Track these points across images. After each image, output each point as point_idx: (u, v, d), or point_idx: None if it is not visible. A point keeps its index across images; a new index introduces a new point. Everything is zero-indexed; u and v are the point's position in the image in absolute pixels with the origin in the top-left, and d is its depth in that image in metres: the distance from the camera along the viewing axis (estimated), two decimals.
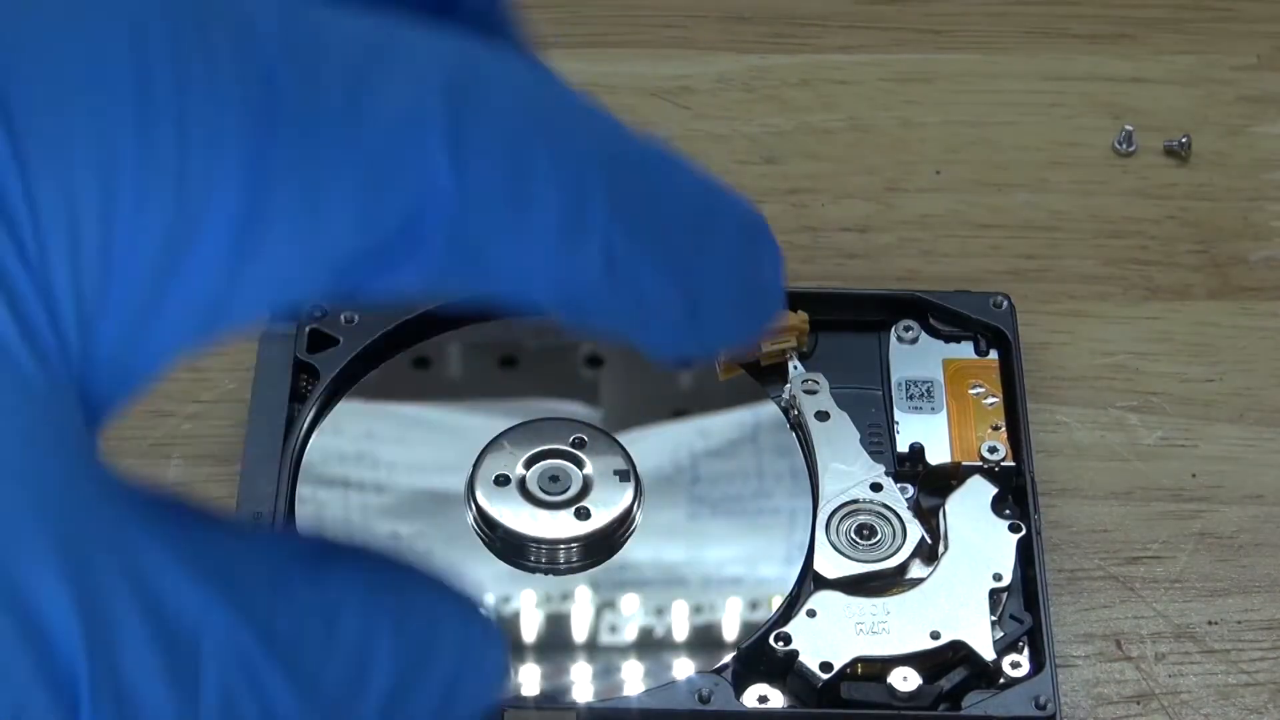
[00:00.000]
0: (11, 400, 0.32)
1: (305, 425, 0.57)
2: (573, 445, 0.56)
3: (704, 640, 0.53)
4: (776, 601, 0.54)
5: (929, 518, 0.56)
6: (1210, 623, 0.56)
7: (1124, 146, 0.69)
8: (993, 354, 0.59)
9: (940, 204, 0.67)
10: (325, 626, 0.35)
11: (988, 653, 0.52)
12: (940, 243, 0.66)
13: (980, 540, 0.55)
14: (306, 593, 0.35)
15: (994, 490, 0.56)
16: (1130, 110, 0.70)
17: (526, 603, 0.54)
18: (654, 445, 0.57)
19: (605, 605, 0.54)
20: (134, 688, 0.33)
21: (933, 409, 0.58)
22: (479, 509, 0.55)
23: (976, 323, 0.60)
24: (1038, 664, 0.53)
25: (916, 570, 0.55)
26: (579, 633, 0.54)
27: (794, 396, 0.58)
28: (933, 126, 0.70)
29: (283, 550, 0.35)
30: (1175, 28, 0.73)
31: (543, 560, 0.55)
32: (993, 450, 0.57)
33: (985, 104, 0.70)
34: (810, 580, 0.54)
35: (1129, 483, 0.59)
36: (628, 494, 0.55)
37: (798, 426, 0.58)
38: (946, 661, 0.53)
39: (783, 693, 0.52)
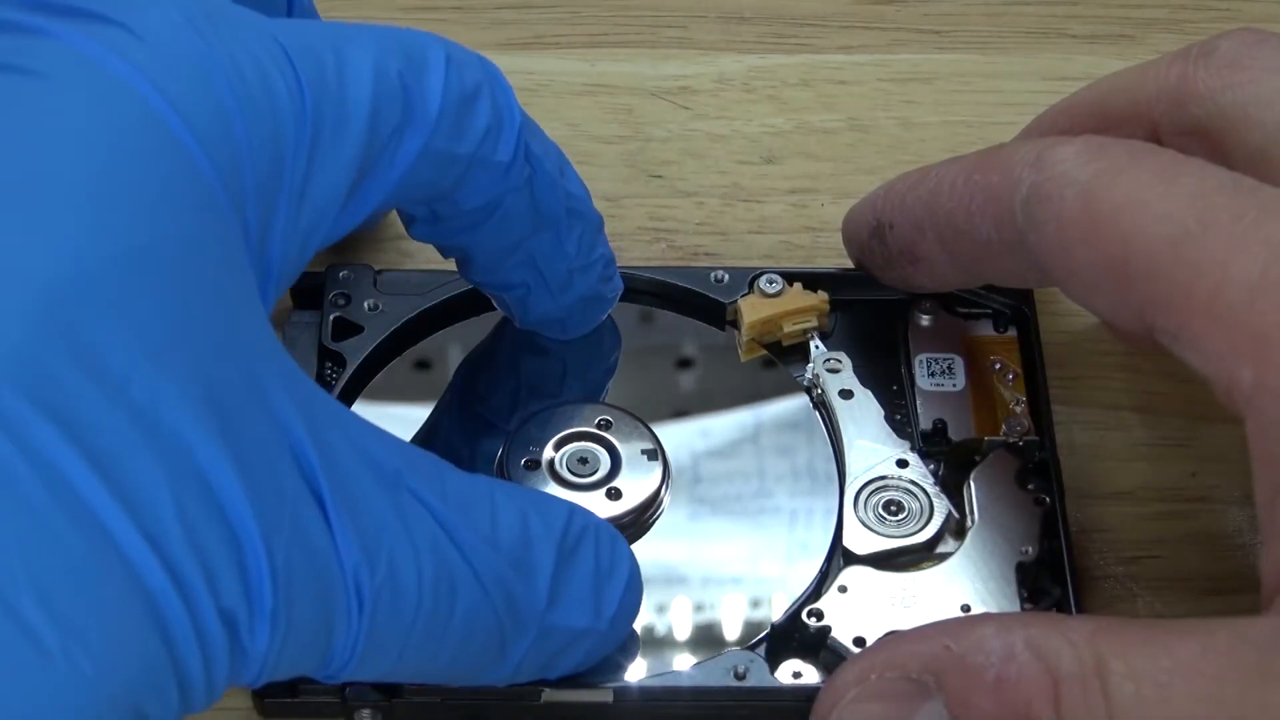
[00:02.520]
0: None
1: None
2: (599, 427, 0.56)
3: (735, 622, 0.54)
4: (807, 579, 0.54)
5: (954, 493, 0.56)
6: None
7: None
8: (1012, 330, 0.60)
9: None
10: (488, 504, 0.46)
11: None
12: None
13: (1006, 514, 0.55)
14: (460, 481, 0.46)
15: (1018, 464, 0.56)
16: None
17: None
18: (680, 433, 0.57)
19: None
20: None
21: (954, 385, 0.59)
22: None
23: (995, 300, 0.60)
24: None
25: (944, 545, 0.55)
26: None
27: (817, 376, 0.58)
28: (933, 126, 0.70)
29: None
30: (1175, 28, 0.73)
31: None
32: (1015, 425, 0.57)
33: (985, 104, 0.70)
34: (840, 556, 0.55)
35: (1129, 482, 0.60)
36: (656, 473, 0.55)
37: (821, 405, 0.58)
38: None
39: (816, 668, 0.52)
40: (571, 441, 0.56)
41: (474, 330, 0.60)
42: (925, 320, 0.60)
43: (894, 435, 0.57)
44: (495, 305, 0.58)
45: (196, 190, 0.41)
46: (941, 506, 0.56)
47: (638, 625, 0.53)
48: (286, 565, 0.41)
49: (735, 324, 0.60)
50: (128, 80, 0.41)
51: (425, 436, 0.58)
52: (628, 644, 0.53)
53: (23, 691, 0.36)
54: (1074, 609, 0.54)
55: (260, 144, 0.43)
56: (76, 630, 0.37)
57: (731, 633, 0.54)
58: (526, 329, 0.58)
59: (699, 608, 0.54)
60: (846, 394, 0.58)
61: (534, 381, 0.59)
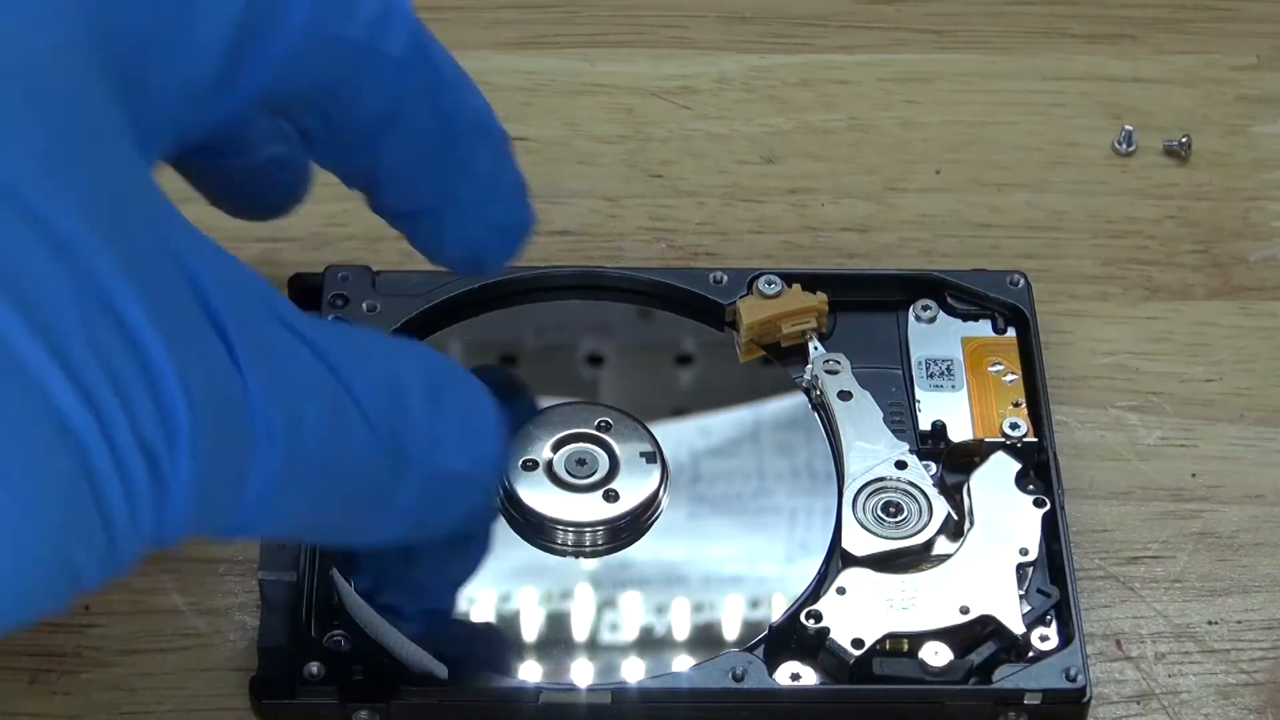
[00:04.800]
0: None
1: None
2: (598, 429, 0.56)
3: (733, 623, 0.54)
4: (805, 581, 0.54)
5: (953, 494, 0.56)
6: (1210, 622, 0.56)
7: (1124, 146, 0.69)
8: (1011, 331, 0.60)
9: (940, 204, 0.67)
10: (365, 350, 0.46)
11: (1017, 626, 0.53)
12: (940, 243, 0.66)
13: (1005, 515, 0.55)
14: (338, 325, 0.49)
15: (1017, 466, 0.56)
16: (1130, 110, 0.70)
17: (555, 587, 0.54)
18: (677, 432, 0.57)
19: (632, 588, 0.54)
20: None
21: (953, 387, 0.59)
22: (509, 494, 0.55)
23: (994, 301, 0.60)
24: (1066, 637, 0.53)
25: (943, 546, 0.55)
26: (611, 617, 0.54)
27: (816, 377, 0.58)
28: (933, 126, 0.70)
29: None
30: (1175, 28, 0.73)
31: (569, 543, 0.55)
32: (1014, 426, 0.57)
33: (985, 104, 0.70)
34: (838, 558, 0.55)
35: (1129, 483, 0.60)
36: (654, 476, 0.55)
37: (820, 406, 0.58)
38: (976, 636, 0.53)
39: (814, 670, 0.52)
40: (570, 443, 0.56)
41: (474, 330, 0.60)
42: (924, 321, 0.60)
43: (893, 436, 0.57)
44: (409, 241, 0.55)
45: (76, 15, 0.41)
46: (940, 508, 0.55)
47: (636, 625, 0.53)
48: (201, 395, 0.39)
49: (734, 325, 0.60)
50: None
51: None
52: (627, 645, 0.53)
53: None
54: (1074, 610, 0.53)
55: None
56: None
57: (730, 634, 0.54)
58: (444, 266, 0.56)
59: (697, 608, 0.54)
60: (845, 395, 0.58)
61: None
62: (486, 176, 0.53)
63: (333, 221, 0.64)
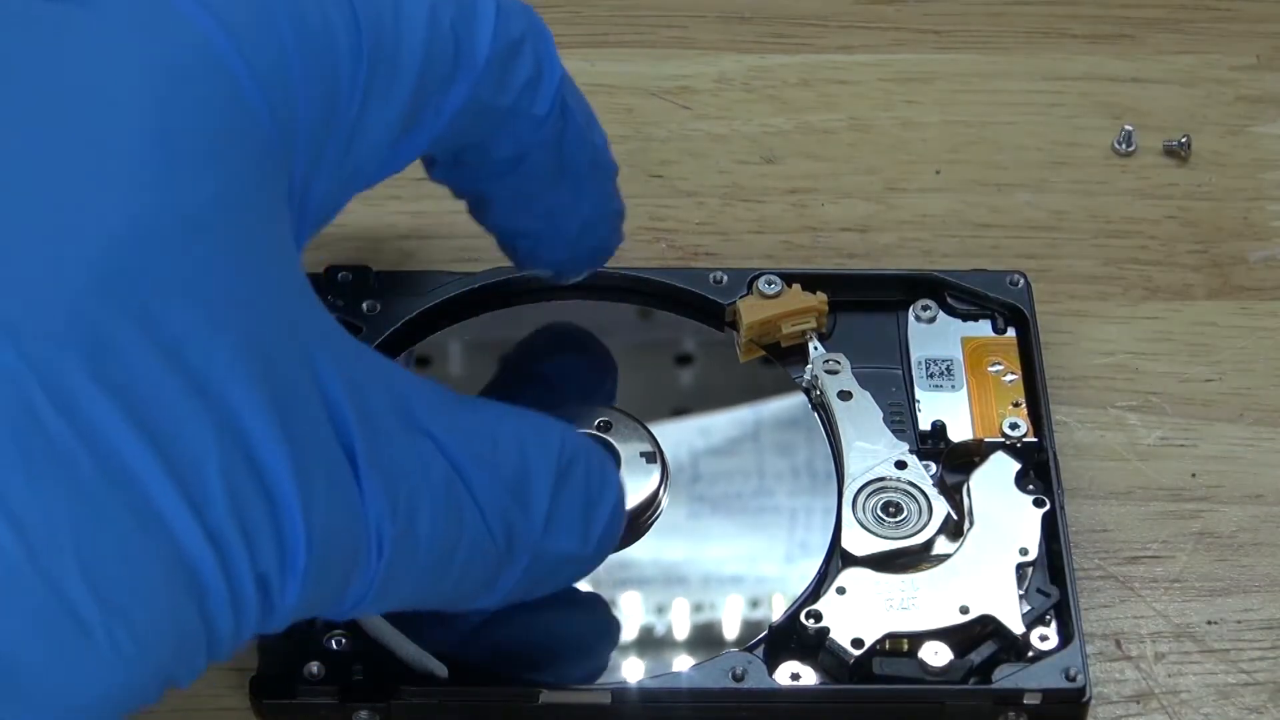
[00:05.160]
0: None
1: None
2: (598, 429, 0.56)
3: (733, 623, 0.54)
4: (805, 581, 0.54)
5: (953, 494, 0.56)
6: (1210, 622, 0.56)
7: (1124, 146, 0.69)
8: (1010, 331, 0.60)
9: (940, 204, 0.67)
10: (491, 434, 0.46)
11: (1016, 626, 0.53)
12: (940, 243, 0.66)
13: (1005, 515, 0.55)
14: (467, 413, 0.46)
15: (1017, 466, 0.56)
16: (1130, 110, 0.70)
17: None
18: (679, 433, 0.57)
19: (632, 588, 0.54)
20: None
21: (953, 387, 0.59)
22: None
23: (994, 301, 0.60)
24: (1065, 637, 0.53)
25: (943, 546, 0.55)
26: (609, 614, 0.54)
27: (816, 377, 0.58)
28: (933, 126, 0.70)
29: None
30: (1175, 28, 0.73)
31: None
32: (1014, 426, 0.57)
33: (985, 104, 0.70)
34: (838, 558, 0.55)
35: (1129, 483, 0.60)
36: (654, 476, 0.55)
37: (820, 406, 0.58)
38: (975, 636, 0.53)
39: (814, 670, 0.52)
40: None
41: (474, 330, 0.60)
42: (924, 321, 0.60)
43: (893, 436, 0.57)
44: (498, 245, 0.56)
45: (253, 138, 0.41)
46: (940, 508, 0.55)
47: (636, 625, 0.53)
48: (322, 526, 0.40)
49: (734, 325, 0.60)
50: (186, 12, 0.40)
51: None
52: (627, 645, 0.53)
53: (64, 670, 0.37)
54: (1074, 610, 0.53)
55: (316, 84, 0.42)
56: (120, 609, 0.37)
57: (730, 634, 0.54)
58: (524, 268, 0.57)
59: (697, 608, 0.54)
60: (845, 395, 0.58)
61: (534, 393, 0.59)
62: (589, 211, 0.54)
63: (333, 222, 0.64)
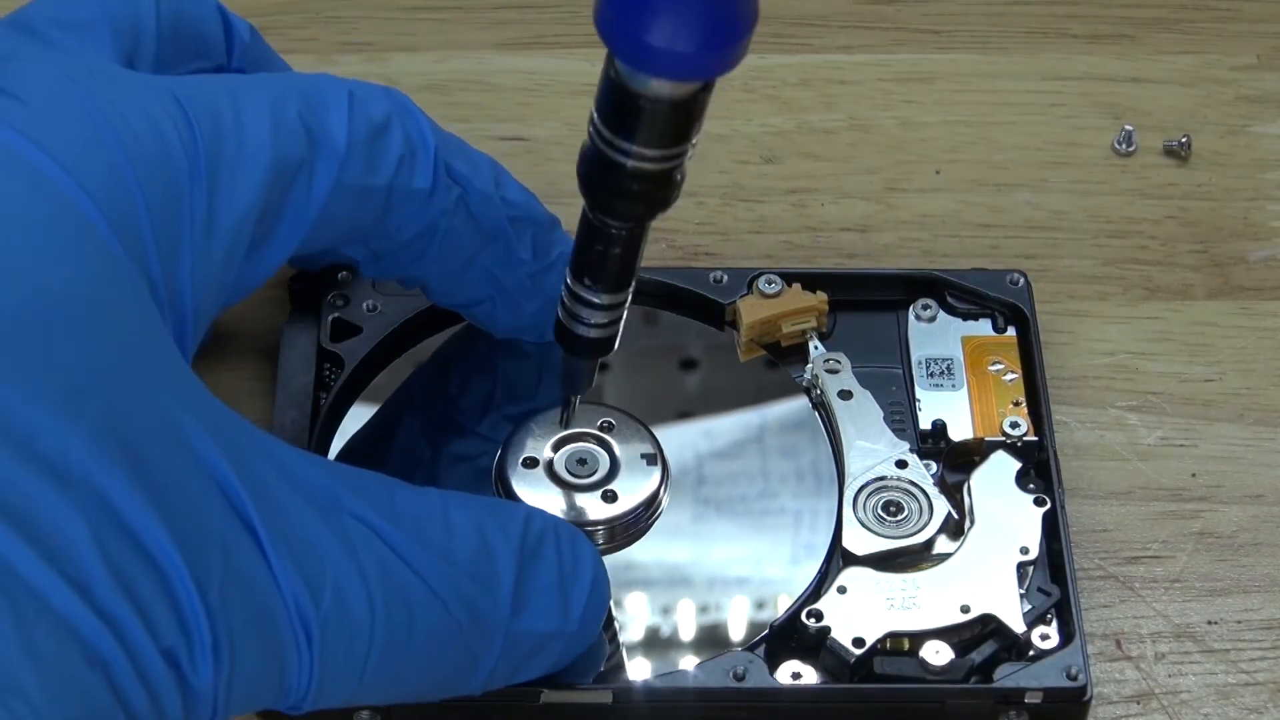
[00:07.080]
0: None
1: (325, 410, 0.57)
2: (600, 429, 0.56)
3: (735, 623, 0.54)
4: (806, 580, 0.54)
5: (954, 493, 0.56)
6: (1210, 622, 0.56)
7: (1124, 146, 0.69)
8: (1011, 330, 0.60)
9: (940, 204, 0.67)
10: (441, 519, 0.47)
11: (1017, 625, 0.53)
12: (940, 243, 0.66)
13: (1006, 514, 0.55)
14: (410, 498, 0.47)
15: (1017, 465, 0.56)
16: (1130, 110, 0.70)
17: None
18: (679, 433, 0.57)
19: (633, 588, 0.54)
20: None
21: (953, 386, 0.59)
22: (508, 492, 0.55)
23: (994, 300, 0.60)
24: (1066, 635, 0.53)
25: (943, 545, 0.55)
26: (612, 616, 0.54)
27: (816, 376, 0.58)
28: (933, 126, 0.70)
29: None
30: (1175, 28, 0.73)
31: None
32: (1014, 425, 0.57)
33: (985, 104, 0.70)
34: (839, 557, 0.55)
35: (1129, 483, 0.60)
36: (655, 477, 0.55)
37: (820, 406, 0.58)
38: (976, 635, 0.53)
39: (815, 669, 0.52)
40: (572, 442, 0.56)
41: (474, 330, 0.60)
42: (924, 321, 0.60)
43: (893, 436, 0.57)
44: (469, 320, 0.58)
45: (91, 245, 0.43)
46: (941, 507, 0.56)
47: (637, 625, 0.53)
48: (221, 599, 0.41)
49: (734, 325, 0.60)
50: (15, 147, 0.42)
51: (374, 437, 0.58)
52: (628, 645, 0.53)
53: None
54: (1074, 609, 0.53)
55: (155, 190, 0.44)
56: (16, 688, 0.38)
57: (731, 633, 0.54)
58: (505, 338, 0.58)
59: (698, 608, 0.54)
60: (846, 394, 0.58)
61: (510, 383, 0.59)
62: (530, 263, 0.55)
63: None
